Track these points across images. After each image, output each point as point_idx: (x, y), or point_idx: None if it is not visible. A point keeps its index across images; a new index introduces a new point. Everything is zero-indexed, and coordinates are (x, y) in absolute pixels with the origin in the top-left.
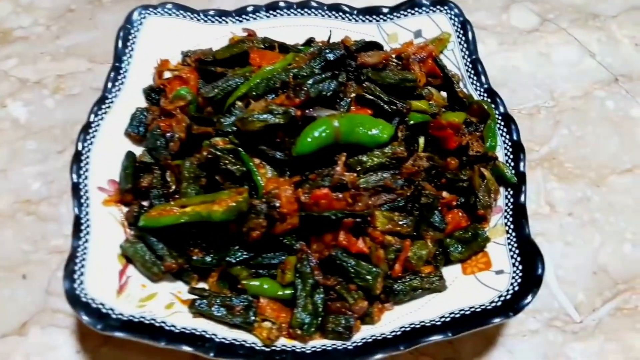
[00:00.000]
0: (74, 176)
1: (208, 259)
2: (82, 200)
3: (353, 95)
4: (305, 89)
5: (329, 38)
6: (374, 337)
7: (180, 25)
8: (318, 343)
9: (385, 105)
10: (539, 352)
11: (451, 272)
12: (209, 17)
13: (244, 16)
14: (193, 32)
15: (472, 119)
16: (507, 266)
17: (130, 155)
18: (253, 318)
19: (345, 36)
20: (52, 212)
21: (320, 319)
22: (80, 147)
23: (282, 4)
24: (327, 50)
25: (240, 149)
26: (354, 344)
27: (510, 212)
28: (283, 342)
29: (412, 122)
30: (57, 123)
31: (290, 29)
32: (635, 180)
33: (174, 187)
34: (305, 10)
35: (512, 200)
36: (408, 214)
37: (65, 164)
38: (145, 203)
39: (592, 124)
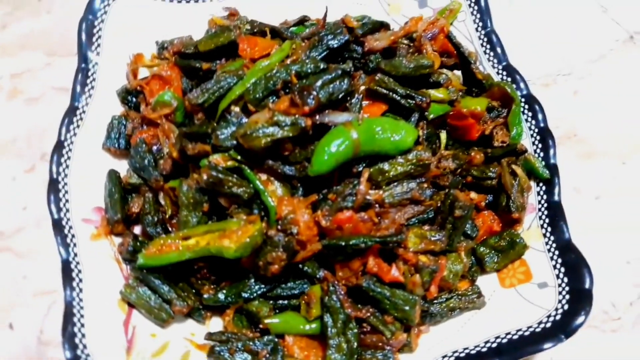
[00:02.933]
0: (54, 211)
1: (221, 296)
2: (68, 240)
3: (363, 88)
4: (314, 93)
5: (325, 16)
6: None
7: (151, 9)
8: None
9: (402, 100)
10: (580, 356)
11: (487, 284)
12: None
13: None
14: (166, 16)
15: (493, 104)
16: (550, 278)
17: (113, 175)
18: None
19: (346, 15)
20: (30, 245)
21: (355, 357)
22: (55, 174)
23: None
24: (329, 37)
25: (243, 166)
26: None
27: (545, 212)
28: None
29: (432, 115)
30: (20, 134)
31: (277, 2)
32: None
33: (170, 211)
34: None
35: (545, 197)
36: (439, 226)
37: (38, 185)
38: (137, 229)
39: (612, 92)
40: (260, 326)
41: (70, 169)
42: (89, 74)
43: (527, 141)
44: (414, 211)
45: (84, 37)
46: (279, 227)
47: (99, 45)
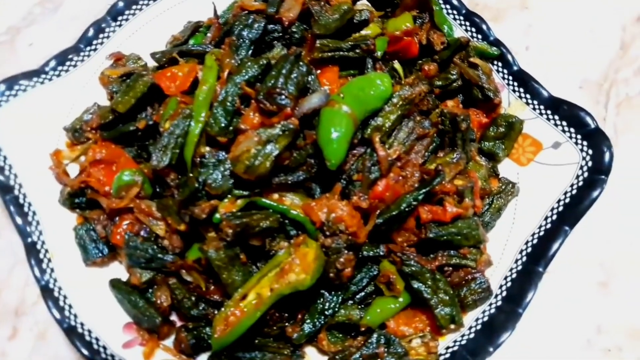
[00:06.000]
0: (91, 356)
1: (308, 328)
2: None
3: (307, 60)
4: (284, 92)
5: (216, 12)
6: (509, 278)
7: (35, 99)
8: (470, 320)
9: (350, 53)
10: None
11: (508, 171)
12: (57, 69)
13: (94, 43)
14: (55, 97)
15: (413, 14)
16: (558, 136)
17: (119, 285)
18: (401, 350)
19: (237, 1)
20: None
21: (457, 299)
22: (65, 320)
23: (121, 3)
24: (245, 30)
25: (254, 197)
26: (500, 297)
27: (515, 83)
28: (443, 344)
29: (379, 53)
30: None
31: (153, 24)
32: None
33: (203, 284)
34: None
35: (506, 70)
36: (450, 146)
37: (25, 347)
38: (175, 319)
39: None
40: (362, 329)
41: (74, 307)
42: (19, 201)
43: (459, 32)
44: (424, 145)
45: None
46: (327, 232)
47: (10, 166)
